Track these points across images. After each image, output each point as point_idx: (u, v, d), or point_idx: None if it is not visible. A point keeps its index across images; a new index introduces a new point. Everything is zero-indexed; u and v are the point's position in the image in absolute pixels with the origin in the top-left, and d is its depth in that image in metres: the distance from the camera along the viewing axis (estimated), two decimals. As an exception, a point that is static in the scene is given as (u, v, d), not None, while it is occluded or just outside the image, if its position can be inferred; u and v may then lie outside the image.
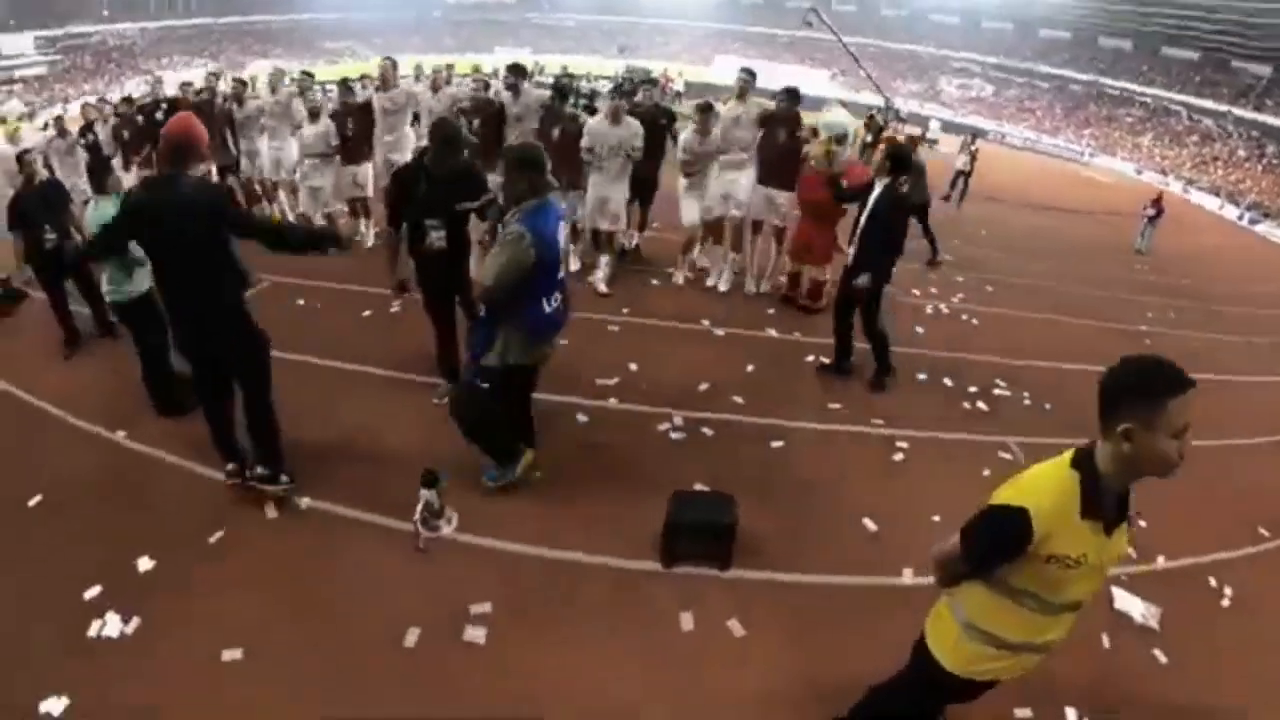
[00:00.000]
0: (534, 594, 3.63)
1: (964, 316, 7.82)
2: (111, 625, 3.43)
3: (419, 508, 3.88)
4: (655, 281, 7.66)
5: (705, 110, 7.08)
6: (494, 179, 4.97)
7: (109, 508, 4.29)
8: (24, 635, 3.44)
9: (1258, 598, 4.11)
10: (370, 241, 8.56)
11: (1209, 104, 40.21)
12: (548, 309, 3.82)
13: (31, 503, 4.29)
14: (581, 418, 5.01)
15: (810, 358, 6.12)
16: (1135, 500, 2.13)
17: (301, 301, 6.72)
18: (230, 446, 4.26)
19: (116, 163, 8.36)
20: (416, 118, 8.60)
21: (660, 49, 54.52)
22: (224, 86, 9.80)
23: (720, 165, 7.06)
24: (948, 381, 6.06)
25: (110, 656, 3.32)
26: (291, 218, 9.11)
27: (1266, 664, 3.66)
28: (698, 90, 23.87)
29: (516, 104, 7.37)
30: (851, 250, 5.65)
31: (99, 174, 5.33)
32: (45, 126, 12.92)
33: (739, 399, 5.32)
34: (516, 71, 7.34)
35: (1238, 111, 38.61)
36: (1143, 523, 3.79)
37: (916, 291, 8.36)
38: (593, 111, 7.72)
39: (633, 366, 5.68)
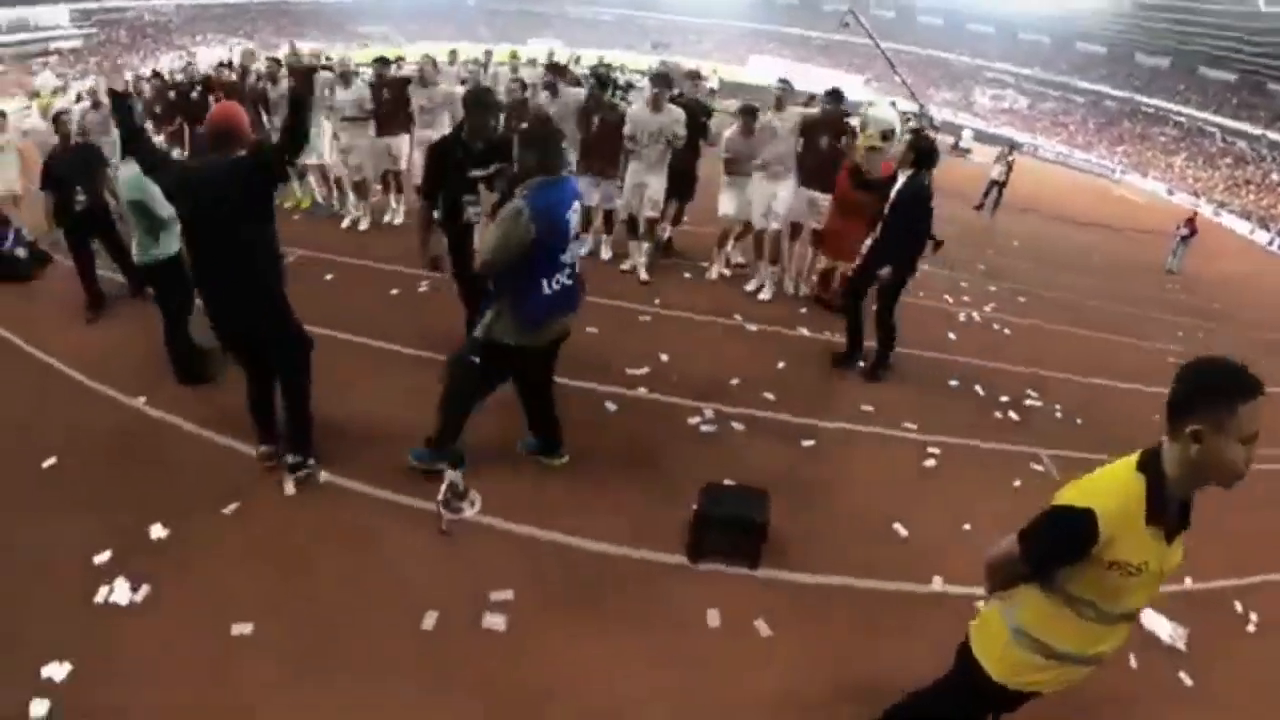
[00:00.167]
0: (557, 583, 3.54)
1: (996, 326, 7.69)
2: (120, 592, 3.36)
3: (442, 488, 3.79)
4: (688, 275, 7.59)
5: (748, 112, 7.01)
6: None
7: (124, 473, 4.23)
8: (30, 597, 3.37)
9: (1282, 624, 3.99)
10: (400, 219, 8.54)
11: (1244, 127, 39.51)
12: (547, 290, 3.66)
13: (45, 464, 4.23)
14: (610, 406, 4.93)
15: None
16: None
17: (330, 277, 6.70)
18: (267, 427, 4.21)
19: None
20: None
21: (694, 47, 54.26)
22: (259, 66, 9.73)
23: (763, 177, 6.90)
24: (979, 389, 5.94)
25: (117, 624, 3.24)
26: (319, 198, 9.13)
27: (1291, 691, 3.54)
28: (730, 89, 23.75)
29: (554, 104, 7.30)
30: (870, 241, 5.61)
31: (134, 141, 5.23)
32: (79, 99, 13.04)
33: (770, 395, 5.23)
34: (555, 70, 7.29)
35: (1273, 135, 37.87)
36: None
37: (949, 298, 8.24)
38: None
39: (664, 357, 5.59)
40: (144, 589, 3.37)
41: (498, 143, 4.55)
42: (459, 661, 3.11)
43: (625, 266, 7.50)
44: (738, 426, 4.85)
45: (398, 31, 52.02)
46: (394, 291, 6.54)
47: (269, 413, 4.18)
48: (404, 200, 8.59)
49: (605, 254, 7.76)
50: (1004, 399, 5.85)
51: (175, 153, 8.75)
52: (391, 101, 8.08)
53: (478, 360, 3.85)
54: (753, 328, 6.43)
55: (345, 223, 8.36)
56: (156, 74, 10.30)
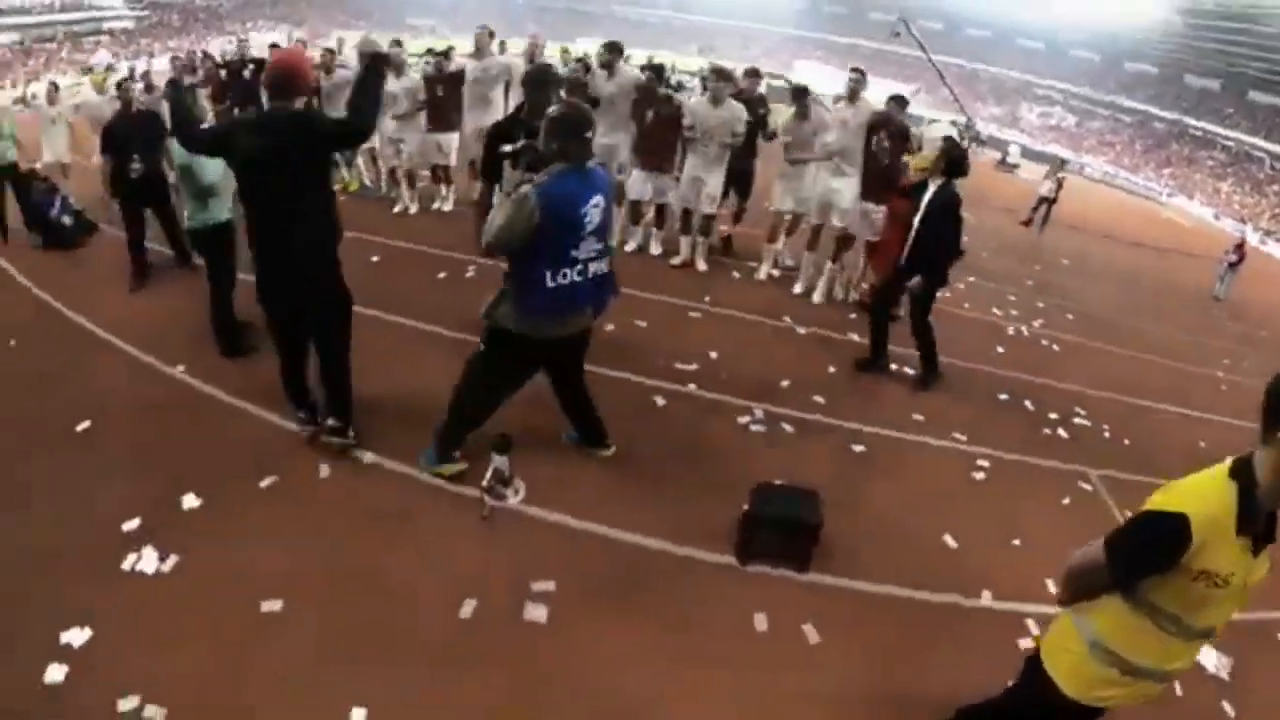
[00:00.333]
0: (600, 577, 3.44)
1: (1044, 341, 7.53)
2: (148, 560, 3.30)
3: (488, 474, 3.71)
4: (737, 275, 7.52)
5: (801, 94, 6.93)
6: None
7: (158, 441, 4.18)
8: (55, 561, 3.32)
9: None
10: (449, 205, 8.56)
11: (1295, 153, 38.56)
12: (550, 283, 3.45)
13: (79, 428, 4.22)
14: (659, 400, 4.88)
15: (893, 366, 5.90)
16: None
17: (376, 259, 6.73)
18: (302, 396, 4.15)
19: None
20: (508, 89, 8.27)
21: (740, 51, 53.98)
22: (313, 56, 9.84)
23: (823, 169, 6.79)
24: (1029, 404, 5.81)
25: (142, 593, 3.18)
26: (368, 181, 9.19)
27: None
28: (777, 94, 23.64)
29: (610, 82, 7.16)
30: (905, 251, 5.49)
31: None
32: (130, 76, 13.26)
33: (820, 399, 5.15)
34: (613, 49, 7.12)
35: (1322, 163, 37.03)
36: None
37: (997, 311, 8.09)
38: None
39: (713, 355, 5.53)
40: (172, 559, 3.32)
41: None
42: (498, 652, 3.01)
43: (675, 261, 7.45)
44: (788, 428, 4.78)
45: (446, 24, 52.31)
46: (441, 275, 6.54)
47: (303, 384, 4.12)
48: (453, 189, 8.61)
49: (655, 249, 7.70)
50: (1053, 415, 5.71)
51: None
52: (444, 97, 8.05)
53: (483, 346, 3.76)
54: (802, 330, 6.35)
55: (396, 209, 8.41)
56: (207, 55, 10.36)
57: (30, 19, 37.97)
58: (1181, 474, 2.00)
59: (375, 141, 8.43)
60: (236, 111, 8.91)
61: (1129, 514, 4.48)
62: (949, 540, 4.00)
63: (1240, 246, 14.97)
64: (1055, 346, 7.48)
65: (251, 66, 9.37)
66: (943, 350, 6.20)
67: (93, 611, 3.03)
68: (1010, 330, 7.55)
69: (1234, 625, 3.77)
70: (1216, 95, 44.25)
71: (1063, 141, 44.27)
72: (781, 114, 7.30)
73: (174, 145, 4.89)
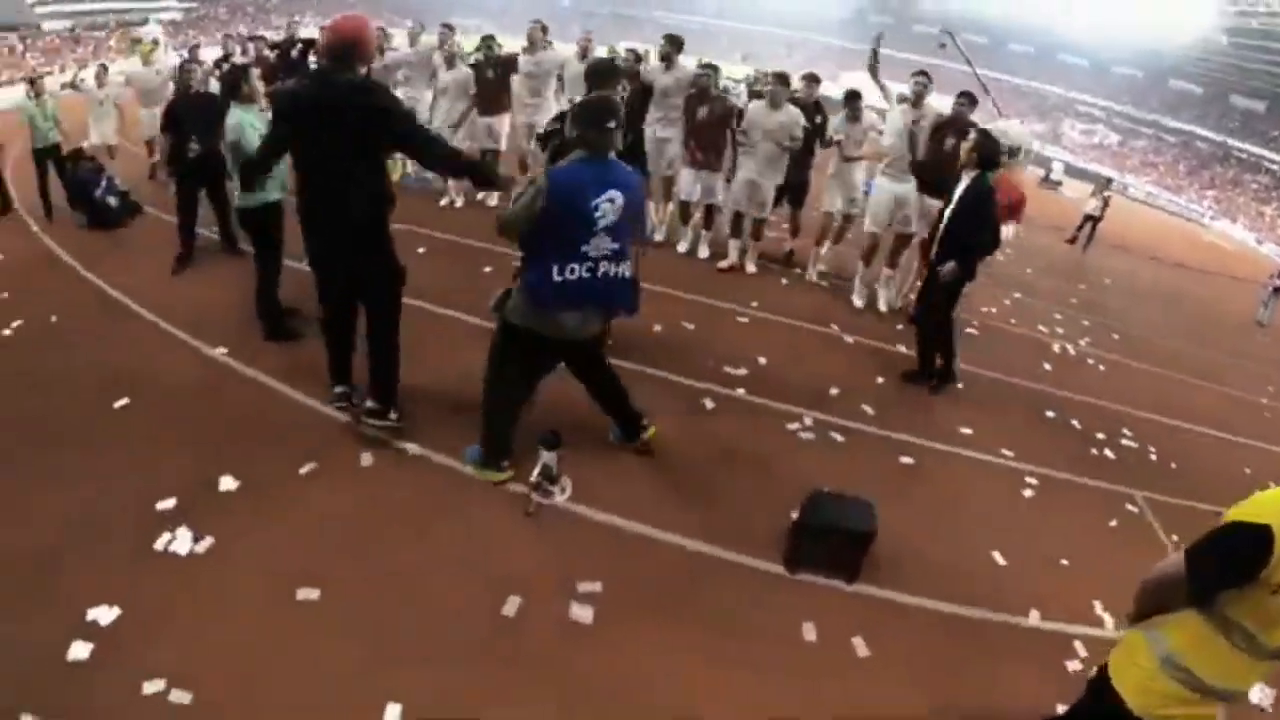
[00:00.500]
0: (647, 579, 3.35)
1: (1090, 361, 7.37)
2: (181, 541, 3.23)
3: (536, 470, 3.66)
4: (785, 281, 7.45)
5: (853, 98, 6.90)
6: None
7: (197, 421, 4.13)
8: (85, 536, 3.26)
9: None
10: (494, 199, 8.50)
11: (1342, 179, 37.56)
12: (555, 277, 3.33)
13: (117, 405, 4.18)
14: (708, 403, 4.83)
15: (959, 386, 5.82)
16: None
17: (422, 250, 6.74)
18: (343, 372, 4.09)
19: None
20: (561, 84, 8.29)
21: (783, 60, 53.74)
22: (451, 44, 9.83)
23: (887, 175, 6.64)
24: (1075, 423, 5.69)
25: (173, 573, 3.10)
26: (410, 169, 9.16)
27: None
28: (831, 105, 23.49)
29: (667, 75, 7.12)
30: (936, 244, 5.41)
31: (236, 83, 5.09)
32: (191, 59, 13.41)
33: (869, 409, 5.07)
34: (673, 42, 7.02)
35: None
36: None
37: (1043, 328, 7.94)
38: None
39: (761, 360, 5.48)
40: (207, 541, 3.25)
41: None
42: (541, 652, 2.93)
43: (723, 265, 7.39)
44: (837, 437, 4.71)
45: (494, 25, 52.61)
46: (487, 269, 6.51)
47: (347, 349, 4.05)
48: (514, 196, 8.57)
49: (703, 252, 7.65)
50: (1099, 435, 5.59)
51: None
52: (495, 81, 8.03)
53: (497, 340, 3.67)
54: (850, 339, 6.28)
55: (442, 202, 8.44)
56: (256, 36, 10.41)
57: (81, 6, 38.56)
58: (1228, 500, 1.95)
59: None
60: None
61: (1174, 539, 4.39)
62: (998, 557, 3.92)
63: (1286, 272, 14.59)
64: (1101, 367, 7.32)
65: (300, 46, 9.31)
66: (991, 365, 6.12)
67: (122, 590, 2.97)
68: (1056, 348, 7.40)
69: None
70: (1262, 117, 43.15)
71: (1105, 160, 43.47)
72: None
73: (227, 121, 4.91)
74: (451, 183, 8.48)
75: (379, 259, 3.72)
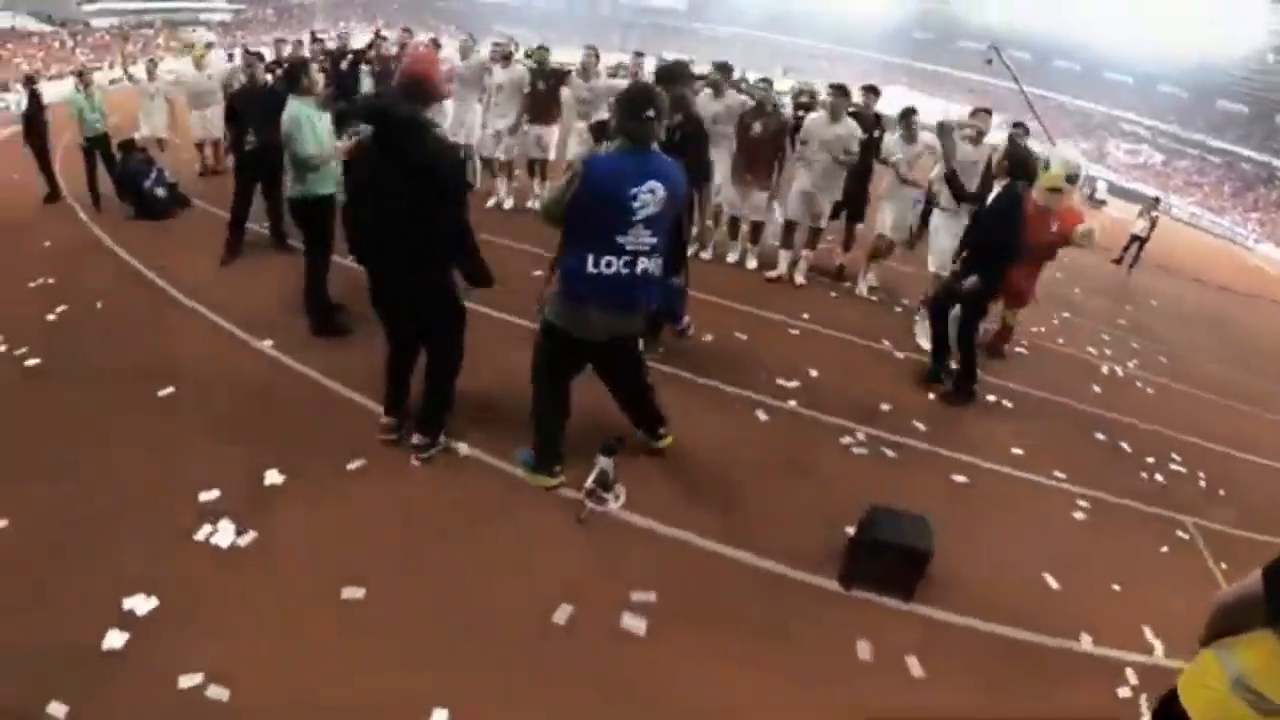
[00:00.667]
0: (699, 591, 3.28)
1: (1139, 384, 7.21)
2: (223, 533, 3.18)
3: (592, 476, 3.58)
4: (834, 294, 7.39)
5: (908, 114, 6.81)
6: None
7: (242, 413, 4.08)
8: (124, 524, 3.21)
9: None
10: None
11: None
12: (590, 268, 3.23)
13: (161, 393, 4.16)
14: (761, 415, 4.80)
15: (991, 398, 5.73)
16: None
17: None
18: (397, 398, 3.98)
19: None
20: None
21: (825, 74, 53.44)
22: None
23: (948, 212, 6.37)
24: (1125, 446, 5.57)
25: (214, 565, 3.05)
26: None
27: None
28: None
29: (716, 102, 7.05)
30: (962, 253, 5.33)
31: (296, 75, 5.04)
32: (231, 58, 13.65)
33: (920, 425, 5.01)
34: (723, 70, 6.93)
35: None
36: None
37: (1092, 350, 7.78)
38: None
39: (813, 373, 5.44)
40: (250, 534, 3.20)
41: (688, 116, 4.31)
42: (592, 662, 2.85)
43: (772, 275, 7.34)
44: (890, 453, 4.66)
45: (535, 35, 52.91)
46: (536, 273, 6.48)
47: (404, 384, 3.95)
48: (547, 188, 8.58)
49: (751, 263, 7.61)
50: (1149, 460, 5.47)
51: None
52: (546, 92, 8.02)
53: (539, 341, 3.61)
54: (901, 355, 6.21)
55: (490, 203, 8.47)
56: (316, 38, 10.49)
57: (129, 5, 39.44)
58: (1277, 530, 1.90)
59: (474, 138, 8.40)
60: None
61: (1223, 567, 4.29)
62: (1050, 580, 3.84)
63: (1333, 297, 14.20)
64: (1150, 390, 7.16)
65: (350, 57, 9.53)
66: (1041, 385, 6.03)
67: (160, 580, 2.91)
68: (1105, 370, 7.25)
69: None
70: (1309, 139, 42.06)
71: (1149, 180, 42.50)
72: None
73: (285, 114, 4.87)
74: (500, 184, 8.51)
75: (436, 301, 3.65)
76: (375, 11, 51.22)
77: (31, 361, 4.63)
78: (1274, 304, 17.99)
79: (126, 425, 3.91)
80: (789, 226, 7.25)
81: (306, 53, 9.92)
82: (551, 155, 8.40)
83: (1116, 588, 3.90)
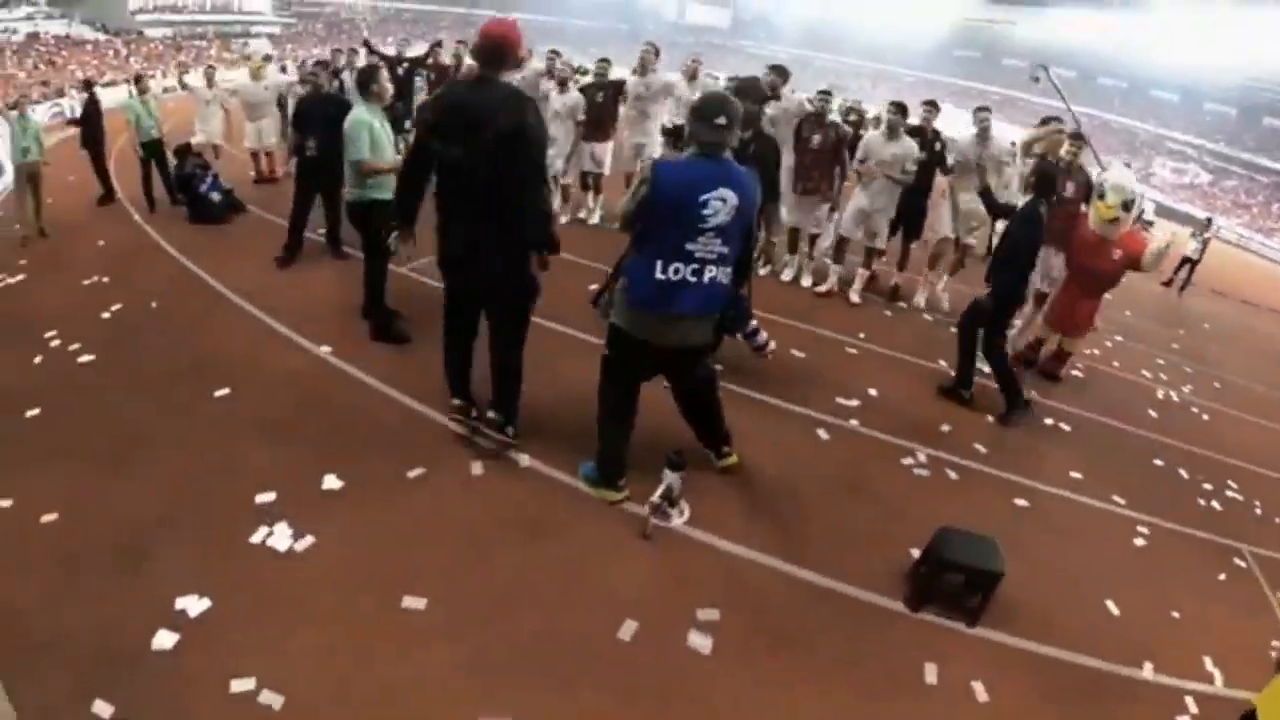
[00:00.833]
0: (764, 610, 3.22)
1: (1194, 409, 7.07)
2: (280, 537, 3.12)
3: (658, 491, 3.50)
4: (888, 313, 7.35)
5: (984, 109, 6.75)
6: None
7: (300, 417, 4.02)
8: (180, 523, 3.16)
9: None
10: (595, 219, 8.52)
11: None
12: (659, 274, 3.17)
13: (218, 394, 4.13)
14: (822, 434, 4.80)
15: (1050, 421, 5.67)
16: None
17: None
18: (462, 383, 3.93)
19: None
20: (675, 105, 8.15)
21: (866, 92, 52.99)
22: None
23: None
24: (1183, 473, 5.48)
25: (268, 569, 2.98)
26: None
27: None
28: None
29: (773, 106, 6.85)
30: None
31: (367, 81, 5.02)
32: (284, 70, 13.87)
33: (981, 448, 4.97)
34: (780, 73, 6.77)
35: None
36: None
37: (1146, 374, 7.65)
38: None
39: (872, 392, 5.43)
40: (307, 539, 3.13)
41: (758, 135, 4.30)
42: (658, 679, 2.79)
43: (821, 289, 7.32)
44: (952, 475, 4.63)
45: (579, 54, 52.94)
46: (592, 287, 6.50)
47: (464, 369, 3.90)
48: (601, 201, 8.61)
49: (806, 280, 7.57)
50: (1206, 486, 5.37)
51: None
52: (603, 105, 8.02)
53: (606, 349, 3.54)
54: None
55: None
56: (372, 47, 10.57)
57: (182, 16, 39.92)
58: None
59: None
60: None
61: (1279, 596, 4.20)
62: (1111, 606, 3.80)
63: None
64: (1205, 416, 7.01)
65: (406, 65, 9.60)
66: (1098, 409, 5.95)
67: (213, 581, 2.85)
68: (1160, 394, 7.12)
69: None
70: (1362, 159, 40.59)
71: (1196, 200, 41.37)
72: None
73: (348, 118, 4.87)
74: (554, 198, 8.34)
75: (511, 277, 3.58)
76: (421, 29, 52.02)
77: (85, 357, 4.65)
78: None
79: (181, 424, 3.89)
80: (841, 243, 7.21)
81: (361, 60, 9.93)
82: (607, 170, 8.41)
83: (1176, 615, 3.84)
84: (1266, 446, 6.66)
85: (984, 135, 6.69)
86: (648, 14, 63.66)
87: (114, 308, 5.33)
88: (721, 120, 3.11)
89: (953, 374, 5.68)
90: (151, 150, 8.34)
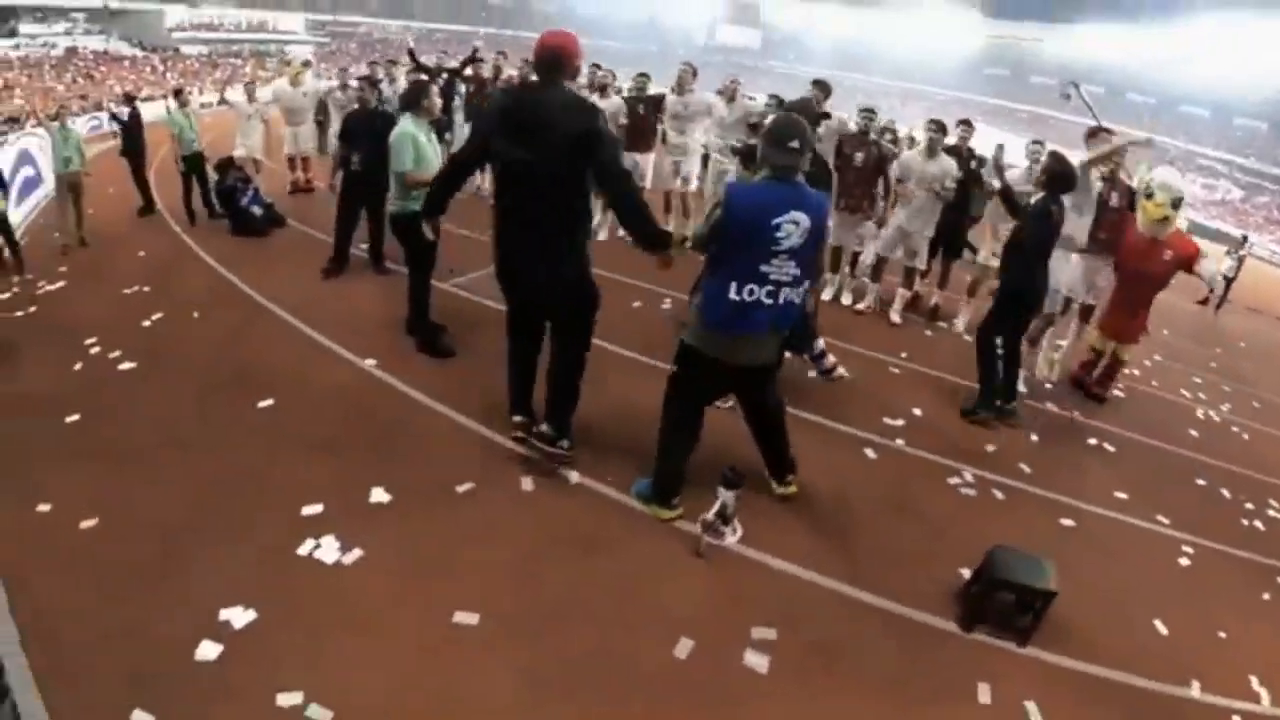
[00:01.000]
0: (818, 629, 3.19)
1: (1234, 429, 6.97)
2: (327, 550, 3.06)
3: (714, 509, 3.48)
4: (929, 333, 7.34)
5: (1036, 143, 6.80)
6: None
7: (347, 429, 3.96)
8: (224, 533, 3.10)
9: None
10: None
11: None
12: (733, 295, 3.18)
13: (261, 405, 4.08)
14: (870, 453, 4.81)
15: (1093, 441, 5.63)
16: None
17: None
18: (523, 399, 3.87)
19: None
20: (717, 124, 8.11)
21: (897, 111, 52.59)
22: (510, 70, 9.81)
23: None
24: (1225, 492, 5.41)
25: (317, 581, 2.92)
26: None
27: None
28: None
29: (822, 125, 6.82)
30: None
31: (417, 95, 5.02)
32: (370, 79, 13.85)
33: (1026, 468, 4.96)
34: (822, 88, 6.71)
35: None
36: None
37: (1185, 393, 7.56)
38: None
39: (917, 412, 5.43)
40: (355, 552, 3.07)
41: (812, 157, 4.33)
42: (715, 697, 2.74)
43: (860, 306, 7.31)
44: (999, 495, 4.62)
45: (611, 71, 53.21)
46: (635, 304, 6.51)
47: (529, 384, 3.85)
48: None
49: (847, 298, 7.57)
50: (1249, 506, 5.30)
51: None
52: (644, 118, 8.04)
53: (675, 366, 3.53)
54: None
55: None
56: (413, 57, 10.56)
57: (218, 35, 41.06)
58: None
59: None
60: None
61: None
62: (1159, 626, 3.78)
63: None
64: (1245, 435, 6.90)
65: (445, 76, 9.64)
66: (1140, 429, 5.90)
67: (259, 593, 2.79)
68: (1200, 414, 7.03)
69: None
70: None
71: (1226, 216, 40.53)
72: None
73: (395, 131, 4.85)
74: (598, 213, 8.27)
75: (573, 283, 3.54)
76: (453, 50, 52.50)
77: (126, 365, 4.63)
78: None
79: (223, 434, 3.85)
80: (880, 262, 7.21)
81: (400, 73, 10.07)
82: (648, 184, 8.32)
83: (1222, 635, 3.81)
84: (1304, 465, 6.57)
85: (1037, 168, 6.62)
86: (678, 35, 63.85)
87: (155, 317, 5.31)
88: (795, 144, 3.13)
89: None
90: (192, 164, 8.40)
